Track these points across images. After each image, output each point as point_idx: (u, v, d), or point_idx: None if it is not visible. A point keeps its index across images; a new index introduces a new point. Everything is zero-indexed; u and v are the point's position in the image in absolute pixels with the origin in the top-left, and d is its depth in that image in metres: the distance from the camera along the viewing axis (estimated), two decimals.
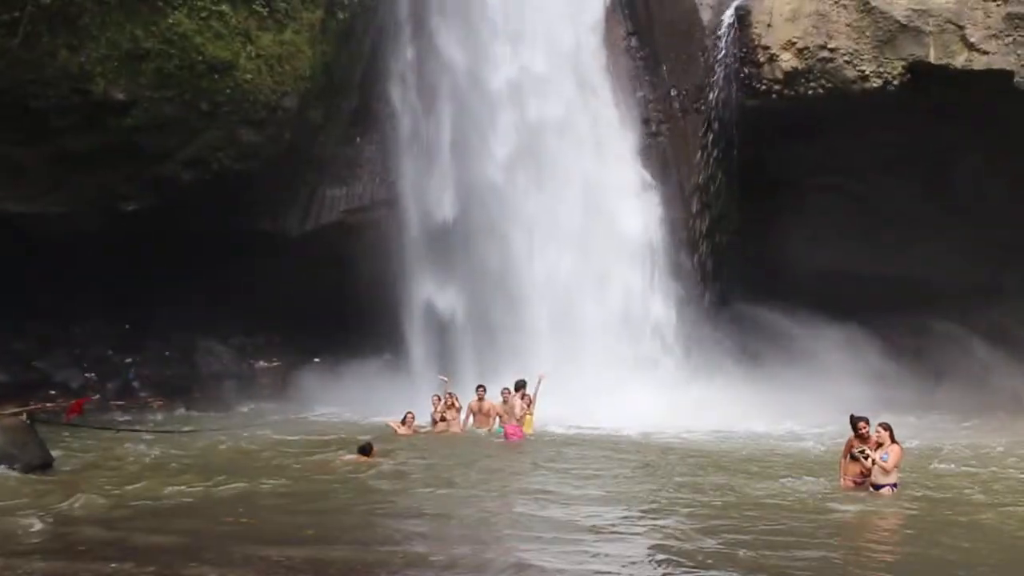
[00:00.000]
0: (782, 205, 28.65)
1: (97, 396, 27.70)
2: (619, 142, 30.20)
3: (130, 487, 15.77)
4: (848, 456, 16.50)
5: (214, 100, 25.13)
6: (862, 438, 16.38)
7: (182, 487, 15.76)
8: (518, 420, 22.79)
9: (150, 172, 25.57)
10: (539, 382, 23.25)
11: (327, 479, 17.11)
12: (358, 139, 29.61)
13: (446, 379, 24.94)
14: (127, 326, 30.33)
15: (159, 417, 26.92)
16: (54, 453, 18.06)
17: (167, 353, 30.63)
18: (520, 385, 23.32)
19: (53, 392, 27.42)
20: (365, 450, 18.97)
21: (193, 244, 27.06)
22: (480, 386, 24.14)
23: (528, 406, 23.01)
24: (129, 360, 30.14)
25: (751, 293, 27.94)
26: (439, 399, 24.09)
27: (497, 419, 23.63)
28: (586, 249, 29.05)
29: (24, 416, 18.97)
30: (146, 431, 22.75)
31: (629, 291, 29.10)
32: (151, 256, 26.99)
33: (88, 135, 24.11)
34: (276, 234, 28.89)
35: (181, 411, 27.94)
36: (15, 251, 25.29)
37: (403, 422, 23.58)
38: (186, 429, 23.29)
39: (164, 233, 26.61)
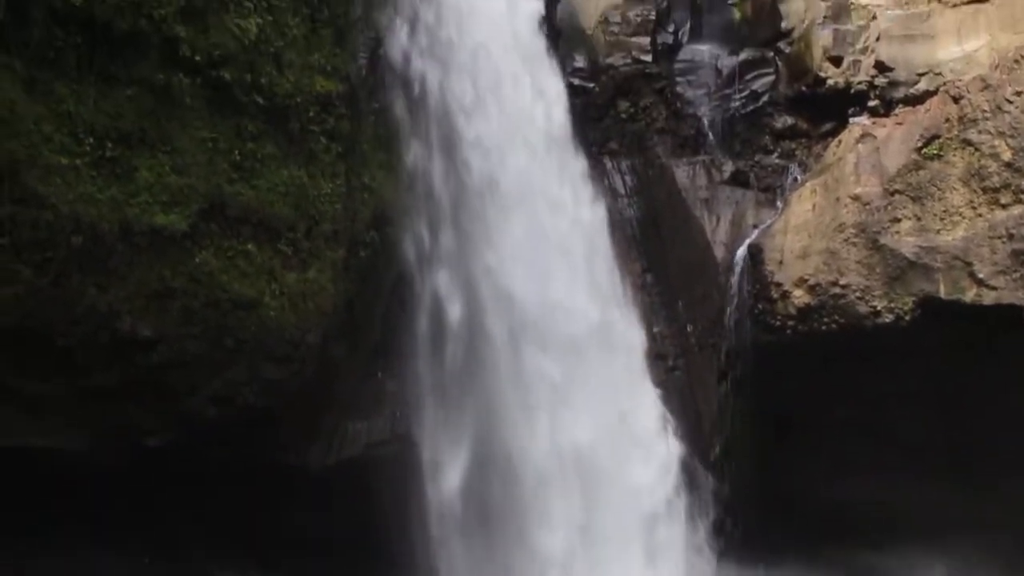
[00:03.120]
0: (798, 438, 28.73)
1: None
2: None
3: None
4: None
5: (239, 337, 25.23)
6: None
7: None
8: None
9: (175, 408, 25.65)
10: None
11: None
12: (379, 373, 29.79)
13: None
14: (147, 560, 30.05)
15: None
16: None
17: None
18: None
19: None
20: None
21: (214, 476, 27.12)
22: None
23: None
24: None
25: (767, 527, 27.65)
26: None
27: None
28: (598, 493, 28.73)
29: None
30: None
31: (648, 527, 28.71)
32: (168, 487, 27.02)
33: (113, 371, 24.20)
34: (297, 467, 28.83)
35: None
36: (28, 483, 25.25)
37: None
38: None
39: (184, 466, 26.70)
